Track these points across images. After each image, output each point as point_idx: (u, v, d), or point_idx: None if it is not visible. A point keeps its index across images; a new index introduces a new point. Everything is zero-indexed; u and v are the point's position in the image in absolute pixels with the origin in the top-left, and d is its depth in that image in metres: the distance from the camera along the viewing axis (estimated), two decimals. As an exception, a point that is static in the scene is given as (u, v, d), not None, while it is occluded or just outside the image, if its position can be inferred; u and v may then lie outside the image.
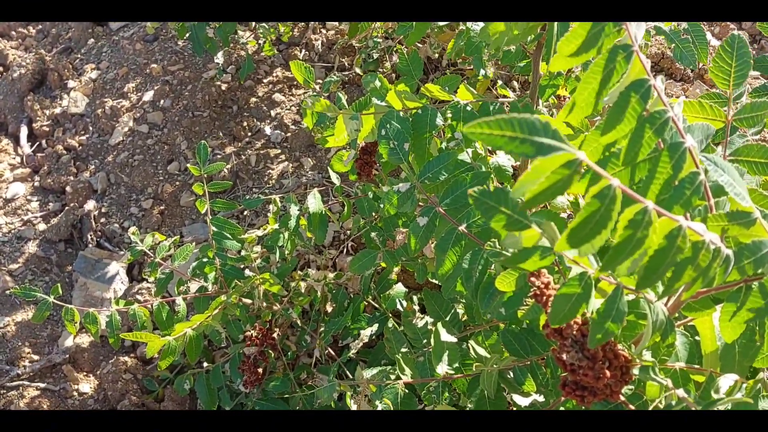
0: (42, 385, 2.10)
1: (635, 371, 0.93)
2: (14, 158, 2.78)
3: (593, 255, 0.90)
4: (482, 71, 1.86)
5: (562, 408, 1.18)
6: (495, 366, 1.18)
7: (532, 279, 0.98)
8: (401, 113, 1.56)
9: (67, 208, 2.55)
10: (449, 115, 1.62)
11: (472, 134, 0.65)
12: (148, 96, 2.82)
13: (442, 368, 1.28)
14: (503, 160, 1.65)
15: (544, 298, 0.96)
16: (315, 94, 1.76)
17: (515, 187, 0.68)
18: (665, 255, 0.71)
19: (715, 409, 0.86)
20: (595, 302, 0.86)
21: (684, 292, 0.89)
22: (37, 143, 2.86)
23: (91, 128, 2.83)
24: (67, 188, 2.60)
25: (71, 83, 2.98)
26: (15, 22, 3.22)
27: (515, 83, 2.68)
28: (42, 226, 2.54)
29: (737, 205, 0.81)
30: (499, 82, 1.75)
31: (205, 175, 1.89)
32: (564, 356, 0.93)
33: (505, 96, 1.69)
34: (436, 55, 2.78)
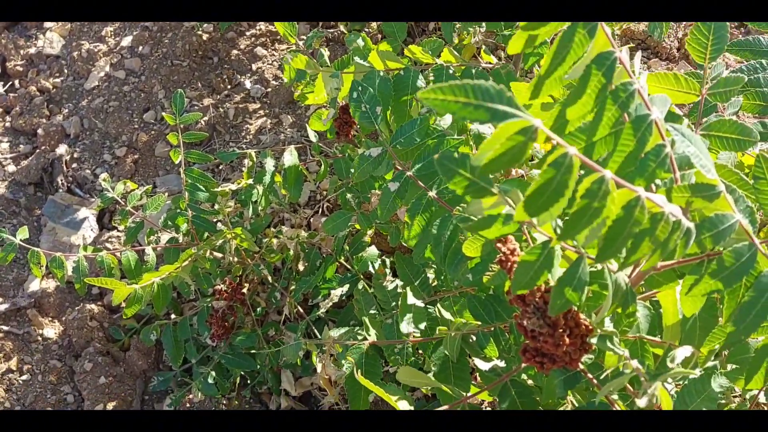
0: (5, 327, 2.08)
1: (594, 340, 0.94)
2: (-15, 97, 2.70)
3: (557, 224, 0.90)
4: (455, 37, 1.79)
5: (523, 375, 1.19)
6: (459, 330, 1.19)
7: (499, 245, 0.98)
8: (382, 74, 1.53)
9: (38, 151, 2.49)
10: (432, 78, 1.59)
11: (426, 100, 0.64)
12: (127, 41, 2.74)
13: (407, 328, 1.28)
14: (483, 127, 1.63)
15: (509, 264, 0.96)
16: (296, 50, 1.72)
17: (476, 154, 0.67)
18: (623, 226, 0.71)
19: (666, 380, 0.87)
20: (559, 271, 0.86)
21: (644, 264, 0.90)
22: (10, 83, 2.77)
23: (66, 71, 2.75)
24: (39, 131, 2.54)
25: (48, 23, 2.88)
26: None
27: (501, 53, 2.65)
28: (11, 168, 2.48)
29: (703, 179, 0.81)
30: (484, 47, 1.72)
31: (181, 125, 1.85)
32: (525, 323, 0.93)
33: (488, 62, 1.67)
34: (424, 19, 2.74)
